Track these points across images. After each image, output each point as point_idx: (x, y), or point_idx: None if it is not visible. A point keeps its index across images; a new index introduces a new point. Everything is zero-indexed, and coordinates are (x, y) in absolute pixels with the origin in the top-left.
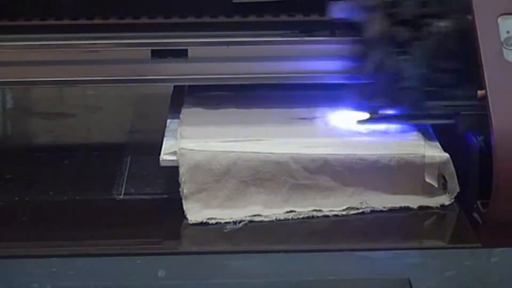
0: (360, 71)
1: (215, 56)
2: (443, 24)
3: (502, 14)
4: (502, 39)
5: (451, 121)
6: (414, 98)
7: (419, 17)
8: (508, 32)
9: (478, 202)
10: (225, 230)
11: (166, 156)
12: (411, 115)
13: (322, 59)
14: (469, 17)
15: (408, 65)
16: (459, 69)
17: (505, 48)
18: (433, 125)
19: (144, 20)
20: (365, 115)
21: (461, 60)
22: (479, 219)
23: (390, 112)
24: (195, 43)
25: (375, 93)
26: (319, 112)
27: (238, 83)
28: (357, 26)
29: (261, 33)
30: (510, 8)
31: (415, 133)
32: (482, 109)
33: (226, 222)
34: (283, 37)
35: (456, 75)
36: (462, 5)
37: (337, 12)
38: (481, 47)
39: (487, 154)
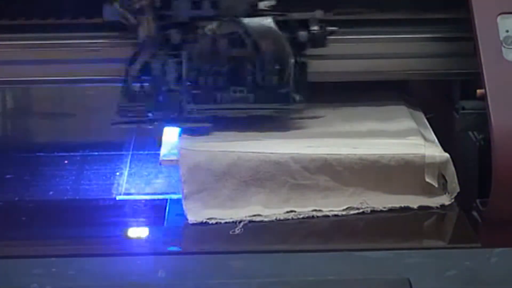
0: (126, 73)
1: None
2: (213, 26)
3: (501, 13)
4: (501, 38)
5: (208, 125)
6: (175, 101)
7: (190, 20)
8: (507, 31)
9: (477, 200)
10: (231, 233)
11: (166, 156)
12: (171, 118)
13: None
14: (241, 20)
15: (174, 68)
16: (227, 72)
17: (504, 47)
18: (432, 125)
19: None
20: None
21: (230, 63)
22: (478, 218)
23: (153, 114)
24: None
25: (139, 96)
26: None
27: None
28: (128, 29)
29: None
30: (509, 7)
31: (415, 133)
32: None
33: (226, 222)
34: None
35: (224, 78)
36: (235, 8)
37: (109, 14)
38: (480, 46)
39: (487, 153)
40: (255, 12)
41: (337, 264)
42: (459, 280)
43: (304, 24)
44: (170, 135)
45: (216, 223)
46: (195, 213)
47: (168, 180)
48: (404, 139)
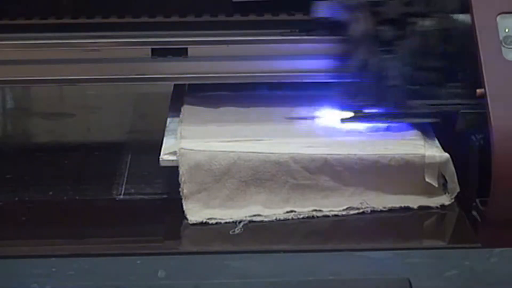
0: (344, 70)
1: (215, 55)
2: (427, 23)
3: (501, 13)
4: (501, 38)
5: (434, 120)
6: (397, 96)
7: (403, 16)
8: (507, 30)
9: (477, 200)
10: (231, 232)
11: (166, 156)
12: (395, 114)
13: (317, 58)
14: (453, 15)
15: (392, 64)
16: (443, 68)
17: (504, 46)
18: (432, 125)
19: (144, 19)
20: (349, 114)
21: (445, 59)
22: (478, 218)
23: (374, 110)
24: (195, 42)
25: (359, 92)
26: (307, 111)
27: (238, 81)
28: (342, 25)
29: (260, 32)
30: (509, 7)
31: (415, 133)
32: (478, 107)
33: (226, 222)
34: (282, 36)
35: (440, 73)
36: (446, 4)
37: (322, 11)
38: (480, 46)
39: (486, 153)
40: (467, 8)
41: (337, 264)
42: (459, 280)
43: None
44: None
45: (216, 223)
46: (195, 213)
47: (168, 180)
48: (404, 139)
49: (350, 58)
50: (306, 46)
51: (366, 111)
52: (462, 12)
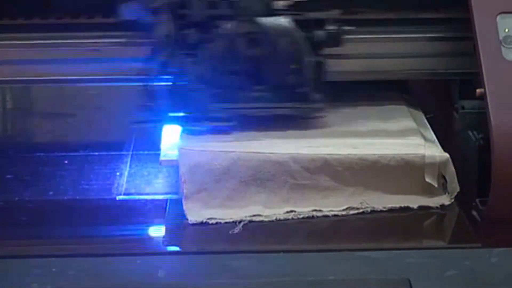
0: (147, 72)
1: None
2: (230, 26)
3: (500, 13)
4: (500, 38)
5: (229, 124)
6: (197, 100)
7: (208, 19)
8: (506, 30)
9: (477, 200)
10: (231, 232)
11: (166, 156)
12: (193, 117)
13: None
14: (258, 19)
15: (193, 67)
16: (246, 71)
17: (503, 46)
18: (432, 124)
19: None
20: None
21: (249, 63)
22: (478, 218)
23: (173, 114)
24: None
25: (160, 95)
26: None
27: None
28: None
29: None
30: (509, 7)
31: (415, 133)
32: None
33: (226, 222)
34: None
35: (243, 77)
36: (251, 7)
37: (127, 13)
38: (480, 46)
39: (486, 152)
40: (272, 12)
41: (337, 264)
42: (459, 280)
43: (321, 23)
44: (171, 134)
45: (216, 223)
46: (195, 213)
47: (168, 180)
48: (404, 139)
49: (153, 61)
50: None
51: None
52: (267, 16)
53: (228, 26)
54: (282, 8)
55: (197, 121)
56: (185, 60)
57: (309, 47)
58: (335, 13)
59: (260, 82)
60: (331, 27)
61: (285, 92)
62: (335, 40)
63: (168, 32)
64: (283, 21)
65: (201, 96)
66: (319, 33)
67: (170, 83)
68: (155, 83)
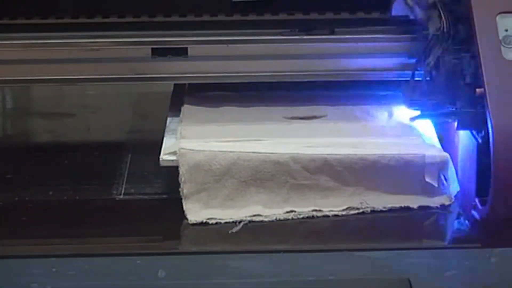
0: (418, 67)
1: (215, 55)
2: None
3: (500, 13)
4: (500, 37)
5: None
6: (471, 95)
7: None
8: (506, 30)
9: (477, 200)
10: (231, 232)
11: (166, 156)
12: (468, 112)
13: (325, 58)
14: None
15: (466, 62)
16: None
17: (503, 46)
18: (431, 123)
19: (144, 18)
20: (416, 112)
21: None
22: (478, 217)
23: (443, 108)
24: (195, 42)
25: (431, 90)
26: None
27: (238, 81)
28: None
29: (261, 31)
30: (508, 7)
31: (415, 133)
32: None
33: (226, 222)
34: (282, 35)
35: None
36: None
37: (399, 9)
38: (479, 45)
39: (486, 152)
40: None
41: (337, 264)
42: (459, 280)
43: None
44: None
45: (216, 223)
46: (195, 213)
47: (168, 180)
48: (404, 139)
49: (424, 56)
50: (306, 45)
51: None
52: None
53: None
54: None
55: (473, 116)
56: (456, 56)
57: None
58: None
59: None
60: None
61: None
62: None
63: (440, 28)
64: None
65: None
66: None
67: (442, 78)
68: (422, 79)
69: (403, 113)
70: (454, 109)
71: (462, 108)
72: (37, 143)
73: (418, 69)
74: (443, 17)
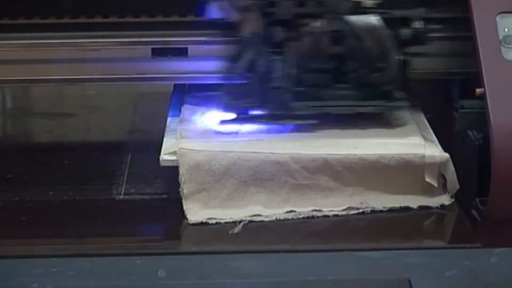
0: (231, 71)
1: (215, 55)
2: (317, 24)
3: (500, 13)
4: (500, 37)
5: (314, 122)
6: (281, 98)
7: (295, 17)
8: (506, 30)
9: (477, 199)
10: (230, 232)
11: (166, 156)
12: (277, 115)
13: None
14: (344, 17)
15: (279, 65)
16: (331, 70)
17: (503, 46)
18: (431, 123)
19: (144, 18)
20: (231, 115)
21: (334, 61)
22: (478, 217)
23: (257, 112)
24: (195, 42)
25: (244, 93)
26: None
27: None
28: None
29: None
30: (508, 7)
31: (415, 133)
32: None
33: (226, 222)
34: None
35: (328, 75)
36: (339, 6)
37: (213, 12)
38: (479, 45)
39: (486, 152)
40: (359, 10)
41: (337, 264)
42: (459, 280)
43: (405, 22)
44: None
45: (216, 223)
46: (195, 213)
47: (168, 180)
48: (404, 139)
49: (238, 59)
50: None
51: (250, 112)
52: (353, 14)
53: (315, 24)
54: (368, 6)
55: (282, 119)
56: (271, 58)
57: (395, 45)
58: (420, 11)
59: (345, 80)
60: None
61: (369, 90)
62: (420, 38)
63: (254, 30)
64: (370, 19)
65: (286, 94)
66: (405, 31)
67: (254, 81)
68: (240, 81)
69: (217, 116)
70: (267, 112)
71: (272, 111)
72: (37, 143)
73: (234, 72)
74: (257, 20)
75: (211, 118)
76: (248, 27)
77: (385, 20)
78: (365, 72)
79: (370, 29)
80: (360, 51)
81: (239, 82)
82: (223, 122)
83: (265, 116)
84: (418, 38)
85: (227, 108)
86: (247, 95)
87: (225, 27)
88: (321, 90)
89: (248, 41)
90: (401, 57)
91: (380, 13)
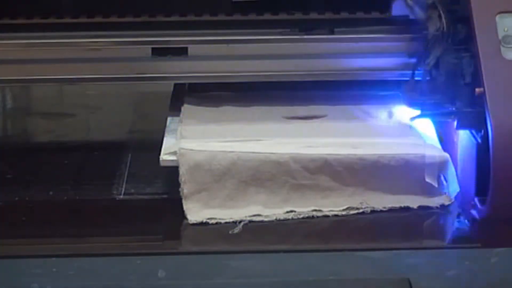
0: (419, 67)
1: (215, 54)
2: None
3: (500, 12)
4: (500, 37)
5: None
6: (471, 94)
7: None
8: (506, 30)
9: (476, 199)
10: (230, 232)
11: (166, 156)
12: (467, 112)
13: (324, 57)
14: None
15: (467, 62)
16: None
17: (503, 46)
18: (431, 123)
19: (144, 18)
20: (417, 112)
21: None
22: (477, 216)
23: (444, 108)
24: (195, 41)
25: (431, 90)
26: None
27: (238, 81)
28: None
29: (260, 31)
30: (508, 7)
31: (415, 133)
32: None
33: (226, 222)
34: (282, 35)
35: None
36: None
37: (398, 9)
38: (479, 45)
39: (485, 151)
40: None
41: (337, 264)
42: (459, 280)
43: None
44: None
45: (216, 223)
46: (195, 213)
47: (168, 180)
48: (404, 139)
49: (425, 56)
50: (306, 45)
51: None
52: None
53: None
54: None
55: (472, 115)
56: (456, 55)
57: None
58: None
59: None
60: None
61: None
62: None
63: (440, 27)
64: None
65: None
66: None
67: (442, 78)
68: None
69: (403, 113)
70: (453, 108)
71: (461, 108)
72: (37, 143)
73: (418, 69)
74: (442, 17)
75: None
76: (433, 24)
77: None
78: None
79: None
80: None
81: (421, 79)
82: (413, 118)
83: (452, 113)
84: None
85: (413, 105)
86: (433, 91)
87: (404, 24)
88: None
89: (434, 38)
90: None
91: None
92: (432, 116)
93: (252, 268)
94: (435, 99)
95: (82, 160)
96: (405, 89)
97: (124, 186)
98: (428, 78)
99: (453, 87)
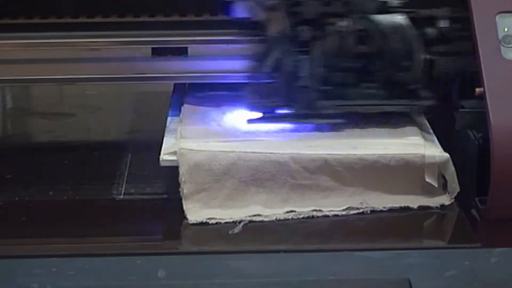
0: (258, 70)
1: (215, 54)
2: (344, 23)
3: (500, 12)
4: (500, 37)
5: (342, 121)
6: (307, 97)
7: (321, 17)
8: (506, 30)
9: (476, 199)
10: (230, 232)
11: (166, 156)
12: (303, 115)
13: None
14: (371, 16)
15: (305, 64)
16: (357, 69)
17: (503, 46)
18: (431, 123)
19: (144, 18)
20: (257, 115)
21: (360, 60)
22: (477, 217)
23: (283, 111)
24: (195, 41)
25: (271, 92)
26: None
27: (238, 81)
28: (259, 26)
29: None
30: (508, 6)
31: (415, 133)
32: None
33: (226, 222)
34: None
35: (354, 74)
36: (365, 5)
37: (239, 11)
38: (479, 45)
39: (486, 151)
40: (385, 9)
41: (337, 264)
42: (459, 280)
43: (431, 21)
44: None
45: (216, 223)
46: (195, 213)
47: (168, 180)
48: (404, 139)
49: (264, 58)
50: (221, 46)
51: (276, 111)
52: (379, 13)
53: (341, 23)
54: (394, 5)
55: (308, 119)
56: (297, 57)
57: (421, 45)
58: (446, 10)
59: (371, 79)
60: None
61: (395, 89)
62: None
63: (281, 30)
64: (396, 18)
65: (312, 93)
66: (431, 31)
67: (280, 80)
68: (265, 81)
69: (243, 116)
70: (294, 111)
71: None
72: (37, 143)
73: (259, 71)
74: (284, 19)
75: (213, 118)
76: (274, 26)
77: (411, 19)
78: (391, 71)
79: (396, 28)
80: (386, 50)
81: (264, 81)
82: (250, 121)
83: (291, 115)
84: (443, 37)
85: (253, 107)
86: (273, 94)
87: (248, 27)
88: (347, 89)
89: (274, 40)
90: (427, 56)
91: (406, 13)
92: (271, 120)
93: (252, 268)
94: (275, 101)
95: (82, 160)
96: (247, 91)
97: (124, 186)
98: (268, 80)
99: (292, 90)
